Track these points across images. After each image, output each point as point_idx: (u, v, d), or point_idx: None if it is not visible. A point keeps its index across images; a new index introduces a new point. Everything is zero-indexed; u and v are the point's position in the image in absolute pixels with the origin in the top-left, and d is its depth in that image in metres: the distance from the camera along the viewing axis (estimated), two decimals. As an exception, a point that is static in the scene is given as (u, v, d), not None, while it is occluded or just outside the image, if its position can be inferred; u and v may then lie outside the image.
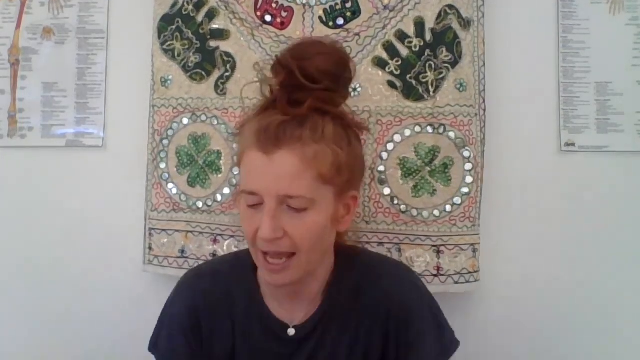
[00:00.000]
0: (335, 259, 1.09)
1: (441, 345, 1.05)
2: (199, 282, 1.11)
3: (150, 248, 1.45)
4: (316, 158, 0.93)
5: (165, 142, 1.44)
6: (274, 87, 1.00)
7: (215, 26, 1.40)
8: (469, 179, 1.35)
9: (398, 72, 1.34)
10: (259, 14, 1.39)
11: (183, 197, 1.42)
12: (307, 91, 0.95)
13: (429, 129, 1.34)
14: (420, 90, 1.34)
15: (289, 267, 0.96)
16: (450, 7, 1.34)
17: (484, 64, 1.40)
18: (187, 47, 1.42)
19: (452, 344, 1.07)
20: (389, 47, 1.35)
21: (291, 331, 1.05)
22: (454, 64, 1.35)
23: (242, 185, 0.98)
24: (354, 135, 1.03)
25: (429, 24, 1.34)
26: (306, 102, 0.95)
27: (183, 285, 1.13)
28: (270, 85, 1.00)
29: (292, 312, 1.06)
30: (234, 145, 1.25)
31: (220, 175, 1.39)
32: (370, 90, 1.34)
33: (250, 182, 0.96)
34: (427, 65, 1.34)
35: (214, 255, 1.39)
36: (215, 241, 1.39)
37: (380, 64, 1.34)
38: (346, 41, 1.35)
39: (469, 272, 1.35)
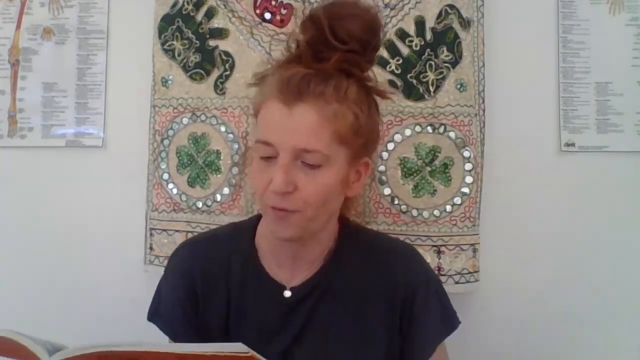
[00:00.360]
0: (341, 228, 1.08)
1: (444, 322, 1.05)
2: (194, 249, 1.11)
3: (151, 248, 1.45)
4: (336, 116, 0.92)
5: (165, 142, 1.44)
6: (301, 42, 0.98)
7: (214, 25, 1.40)
8: (469, 179, 1.35)
9: (399, 71, 1.34)
10: (258, 11, 1.39)
11: (183, 197, 1.42)
12: (334, 50, 0.94)
13: (429, 129, 1.34)
14: (421, 90, 1.34)
15: (290, 219, 0.95)
16: (451, 6, 1.34)
17: (484, 64, 1.40)
18: (187, 46, 1.42)
19: (454, 322, 1.07)
20: (390, 46, 1.35)
21: (287, 293, 1.04)
22: (454, 64, 1.35)
23: (257, 135, 0.97)
24: (374, 103, 1.02)
25: (430, 23, 1.34)
26: (332, 58, 0.94)
27: (179, 252, 1.12)
28: (298, 40, 0.99)
29: (291, 274, 1.05)
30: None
31: (219, 176, 1.38)
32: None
33: (267, 133, 0.94)
34: (428, 64, 1.34)
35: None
36: (215, 241, 1.39)
37: (380, 62, 1.34)
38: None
39: (469, 272, 1.35)
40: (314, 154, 0.92)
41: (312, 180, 0.93)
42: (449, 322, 1.06)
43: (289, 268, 1.05)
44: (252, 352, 0.65)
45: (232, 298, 1.05)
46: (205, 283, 1.06)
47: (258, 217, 1.10)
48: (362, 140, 0.97)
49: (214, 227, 1.38)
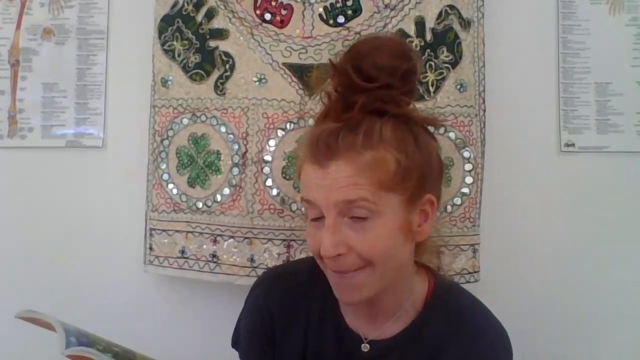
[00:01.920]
0: (433, 286, 1.00)
1: None
2: (275, 284, 1.07)
3: (151, 248, 1.45)
4: (376, 164, 0.85)
5: (165, 142, 1.44)
6: (331, 93, 0.94)
7: (214, 26, 1.40)
8: (469, 180, 1.35)
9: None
10: (258, 12, 1.39)
11: (183, 198, 1.42)
12: (363, 92, 0.88)
13: (429, 129, 1.33)
14: (421, 91, 1.33)
15: (359, 282, 0.89)
16: (451, 7, 1.34)
17: (484, 65, 1.40)
18: (187, 47, 1.42)
19: None
20: (390, 47, 1.35)
21: (365, 347, 0.98)
22: (454, 64, 1.35)
23: (302, 193, 0.92)
24: (423, 133, 0.94)
25: (430, 23, 1.34)
26: (357, 103, 0.88)
27: (259, 286, 1.09)
28: (329, 92, 0.94)
29: (369, 326, 0.99)
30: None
31: (219, 176, 1.38)
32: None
33: (307, 192, 0.90)
34: (428, 65, 1.34)
35: (213, 256, 1.39)
36: (215, 242, 1.39)
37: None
38: (347, 40, 1.35)
39: (469, 273, 1.35)
40: (358, 203, 0.85)
41: (364, 235, 0.86)
42: None
43: (366, 319, 0.99)
44: None
45: (310, 341, 1.01)
46: (283, 321, 1.03)
47: None
48: (413, 182, 0.88)
49: (214, 227, 1.39)
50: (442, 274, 1.10)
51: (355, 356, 0.99)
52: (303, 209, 1.30)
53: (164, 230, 1.44)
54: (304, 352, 1.02)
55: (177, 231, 1.43)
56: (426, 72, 1.34)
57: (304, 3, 1.37)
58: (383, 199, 0.86)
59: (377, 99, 0.88)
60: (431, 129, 1.01)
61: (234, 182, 1.37)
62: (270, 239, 1.36)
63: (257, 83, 1.37)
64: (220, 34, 1.39)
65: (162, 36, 1.44)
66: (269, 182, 1.35)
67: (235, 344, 1.11)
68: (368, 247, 0.86)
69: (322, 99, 0.96)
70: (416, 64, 0.94)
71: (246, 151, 1.36)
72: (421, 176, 0.90)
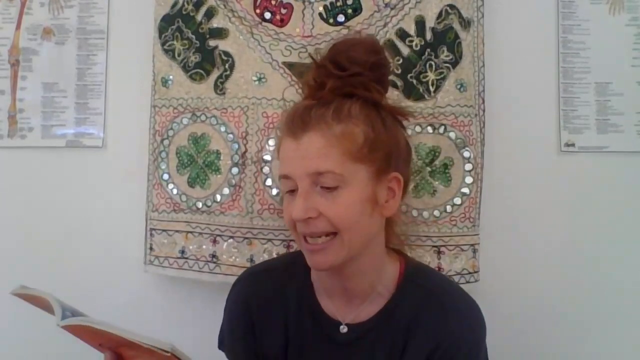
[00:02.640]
0: (404, 268, 1.07)
1: None
2: (251, 280, 1.14)
3: (151, 248, 1.45)
4: (343, 136, 0.94)
5: (165, 142, 1.44)
6: (309, 83, 1.03)
7: (214, 25, 1.40)
8: (469, 180, 1.35)
9: (399, 71, 1.34)
10: (258, 11, 1.39)
11: (183, 198, 1.41)
12: (337, 80, 0.98)
13: (430, 129, 1.34)
14: (421, 90, 1.34)
15: (329, 247, 0.96)
16: (452, 6, 1.34)
17: (484, 64, 1.41)
18: (187, 47, 1.42)
19: None
20: (390, 46, 1.35)
21: (343, 328, 1.04)
22: (454, 64, 1.35)
23: (279, 169, 1.01)
24: (391, 119, 1.03)
25: (430, 23, 1.34)
26: (326, 86, 0.98)
27: (237, 284, 1.15)
28: (307, 83, 1.04)
29: (344, 309, 1.05)
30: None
31: (219, 176, 1.38)
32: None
33: (283, 167, 0.99)
34: (428, 64, 1.34)
35: (213, 256, 1.39)
36: (214, 242, 1.39)
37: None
38: (347, 39, 1.35)
39: (469, 273, 1.34)
40: (327, 175, 0.93)
41: (332, 202, 0.94)
42: None
43: (342, 303, 1.06)
44: (174, 352, 0.73)
45: (290, 333, 1.07)
46: (262, 314, 1.09)
47: None
48: (380, 154, 0.97)
49: (214, 227, 1.39)
50: (411, 257, 1.14)
51: (334, 340, 1.04)
52: None
53: (164, 230, 1.44)
54: (286, 341, 1.07)
55: (177, 231, 1.43)
56: (426, 71, 1.34)
57: (304, 2, 1.37)
58: (351, 170, 0.94)
59: (347, 83, 0.98)
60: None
61: (233, 182, 1.37)
62: (269, 239, 1.36)
63: (256, 82, 1.37)
64: (220, 33, 1.39)
65: (163, 36, 1.44)
66: (269, 182, 1.35)
67: (220, 344, 1.16)
68: (336, 213, 0.94)
69: (302, 90, 1.07)
70: (385, 58, 1.06)
71: (246, 151, 1.36)
72: (388, 152, 0.99)
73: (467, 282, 1.34)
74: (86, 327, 0.79)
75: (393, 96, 1.32)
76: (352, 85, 0.98)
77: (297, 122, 0.96)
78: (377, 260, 1.05)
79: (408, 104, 1.33)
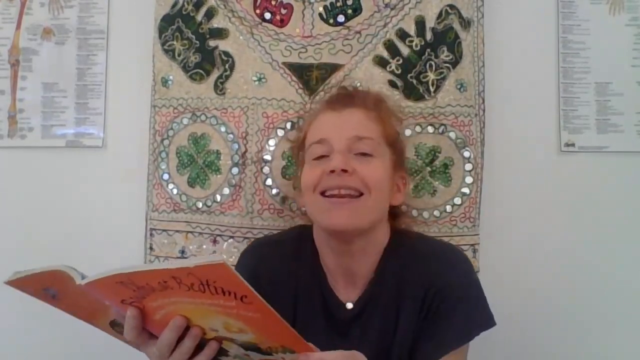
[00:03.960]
0: (391, 234, 1.12)
1: (462, 330, 1.04)
2: (261, 252, 1.16)
3: (151, 248, 1.45)
4: (381, 119, 1.05)
5: (165, 142, 1.44)
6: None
7: (214, 25, 1.40)
8: (469, 180, 1.35)
9: (399, 71, 1.34)
10: (258, 11, 1.39)
11: (183, 198, 1.41)
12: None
13: (430, 129, 1.34)
14: (421, 90, 1.34)
15: (354, 205, 0.99)
16: (452, 6, 1.34)
17: (484, 64, 1.41)
18: (187, 47, 1.42)
19: (472, 332, 1.06)
20: (390, 46, 1.35)
21: (349, 305, 1.08)
22: (454, 64, 1.35)
23: (309, 141, 1.06)
24: (399, 122, 1.17)
25: (430, 23, 1.34)
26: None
27: (246, 254, 1.18)
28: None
29: (347, 290, 1.09)
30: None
31: (219, 176, 1.38)
32: (370, 89, 1.34)
33: (319, 132, 1.05)
34: (428, 64, 1.34)
35: (213, 256, 1.39)
36: (215, 242, 1.39)
37: (381, 62, 1.34)
38: (347, 39, 1.35)
39: (469, 272, 1.34)
40: (366, 140, 1.02)
41: (367, 165, 1.01)
42: (467, 330, 1.05)
43: (344, 284, 1.09)
44: (224, 261, 0.70)
45: (299, 308, 1.09)
46: (271, 287, 1.06)
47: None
48: (399, 150, 1.09)
49: (214, 227, 1.39)
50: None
51: (336, 317, 1.08)
52: (303, 208, 1.31)
53: (164, 230, 1.44)
54: (294, 316, 1.08)
55: (177, 231, 1.43)
56: (426, 71, 1.34)
57: (304, 2, 1.37)
58: (383, 147, 1.04)
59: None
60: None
61: (233, 181, 1.37)
62: (270, 239, 1.36)
63: (256, 82, 1.37)
64: (220, 33, 1.39)
65: (163, 36, 1.44)
66: (269, 182, 1.35)
67: None
68: (370, 172, 1.00)
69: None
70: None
71: (246, 151, 1.36)
72: (402, 152, 1.12)
73: (467, 282, 1.34)
74: (110, 279, 0.76)
75: (393, 96, 1.33)
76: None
77: (340, 99, 1.07)
78: (379, 243, 1.09)
79: (408, 104, 1.33)
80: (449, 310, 1.03)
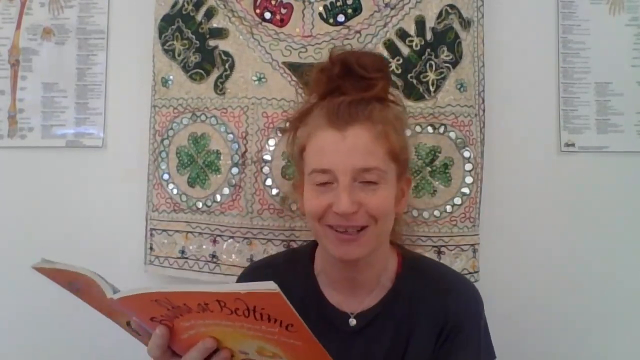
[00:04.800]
0: (401, 256, 1.11)
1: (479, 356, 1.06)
2: (256, 274, 1.14)
3: (151, 248, 1.45)
4: (385, 135, 0.98)
5: (165, 142, 1.44)
6: (334, 77, 1.04)
7: (214, 25, 1.40)
8: (469, 180, 1.35)
9: (399, 71, 1.34)
10: (258, 11, 1.39)
11: (183, 198, 1.41)
12: (365, 80, 1.02)
13: (430, 129, 1.34)
14: (421, 90, 1.34)
15: (362, 238, 0.98)
16: (452, 6, 1.34)
17: (484, 64, 1.41)
18: (187, 47, 1.42)
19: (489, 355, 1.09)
20: (390, 46, 1.35)
21: (352, 321, 1.06)
22: (454, 64, 1.35)
23: (312, 165, 1.00)
24: (403, 122, 1.10)
25: (430, 23, 1.34)
26: (376, 87, 1.02)
27: (242, 279, 1.16)
28: (328, 76, 1.05)
29: (352, 302, 1.07)
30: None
31: (219, 176, 1.38)
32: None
33: (323, 160, 0.98)
34: (428, 64, 1.34)
35: (213, 256, 1.39)
36: (214, 242, 1.39)
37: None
38: (347, 38, 1.35)
39: (470, 273, 1.34)
40: (373, 171, 0.96)
41: (373, 195, 0.97)
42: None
43: (348, 295, 1.08)
44: (279, 291, 0.69)
45: None
46: None
47: (314, 244, 1.13)
48: (404, 158, 1.04)
49: (214, 227, 1.39)
50: (404, 247, 1.18)
51: (342, 331, 1.06)
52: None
53: (164, 230, 1.44)
54: None
55: (177, 231, 1.43)
56: (426, 71, 1.34)
57: (304, 2, 1.37)
58: (389, 167, 0.99)
59: (383, 88, 1.04)
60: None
61: (233, 181, 1.37)
62: (269, 239, 1.36)
63: (256, 82, 1.37)
64: (220, 33, 1.39)
65: (163, 36, 1.44)
66: (269, 182, 1.35)
67: None
68: (377, 204, 0.97)
69: (321, 80, 1.07)
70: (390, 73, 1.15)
71: (246, 151, 1.36)
72: (406, 157, 1.06)
73: (467, 282, 1.34)
74: (146, 297, 0.76)
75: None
76: (386, 91, 1.05)
77: (343, 114, 0.98)
78: (385, 253, 1.09)
79: (408, 104, 1.33)
80: (461, 345, 1.04)
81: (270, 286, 0.69)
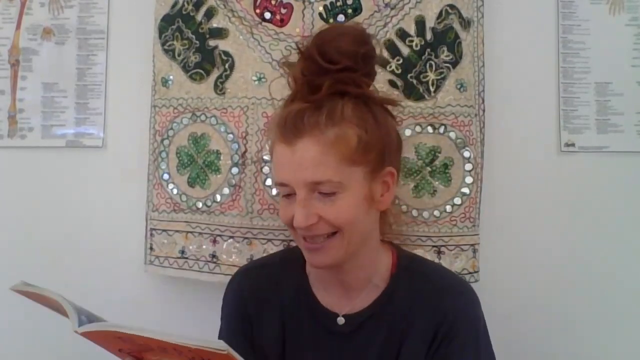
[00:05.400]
0: (397, 257, 1.09)
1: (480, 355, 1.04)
2: (246, 275, 1.15)
3: (151, 248, 1.45)
4: (337, 141, 0.93)
5: (165, 142, 1.44)
6: (297, 76, 1.01)
7: (214, 25, 1.40)
8: (469, 180, 1.35)
9: (399, 71, 1.34)
10: (257, 11, 1.39)
11: (183, 198, 1.41)
12: (327, 74, 0.97)
13: (430, 129, 1.34)
14: (421, 90, 1.34)
15: (328, 246, 0.97)
16: (452, 6, 1.34)
17: (484, 64, 1.41)
18: (187, 47, 1.42)
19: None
20: (390, 46, 1.35)
21: (340, 320, 1.05)
22: (454, 64, 1.35)
23: (274, 177, 1.03)
24: (382, 111, 1.03)
25: (430, 23, 1.34)
26: (323, 86, 0.96)
27: (234, 280, 1.16)
28: (295, 76, 1.02)
29: (343, 302, 1.06)
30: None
31: (219, 176, 1.38)
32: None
33: (279, 174, 0.98)
34: (428, 64, 1.34)
35: (213, 256, 1.39)
36: (214, 242, 1.39)
37: (381, 62, 1.34)
38: (347, 39, 1.35)
39: (469, 273, 1.34)
40: (326, 184, 0.93)
41: (332, 206, 0.95)
42: None
43: (339, 296, 1.07)
44: (229, 351, 0.70)
45: (287, 326, 1.08)
46: (258, 308, 1.09)
47: None
48: (374, 155, 0.97)
49: (214, 227, 1.39)
50: (401, 247, 1.15)
51: (331, 331, 1.05)
52: None
53: (164, 230, 1.44)
54: (283, 334, 1.08)
55: (177, 231, 1.43)
56: (426, 71, 1.34)
57: (304, 2, 1.37)
58: (347, 173, 0.94)
59: (339, 81, 0.97)
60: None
61: (233, 181, 1.37)
62: (269, 239, 1.36)
63: (256, 82, 1.36)
64: (220, 33, 1.39)
65: (163, 36, 1.44)
66: (269, 182, 1.35)
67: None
68: (336, 216, 0.95)
69: (288, 83, 1.04)
70: (374, 48, 1.04)
71: (246, 151, 1.36)
72: (381, 150, 0.99)
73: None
74: (110, 333, 0.77)
75: (393, 96, 1.32)
76: (343, 82, 0.97)
77: (289, 128, 0.95)
78: (373, 253, 1.06)
79: (408, 104, 1.33)
80: (459, 349, 1.01)
81: (220, 346, 0.70)
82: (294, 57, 1.07)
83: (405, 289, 1.05)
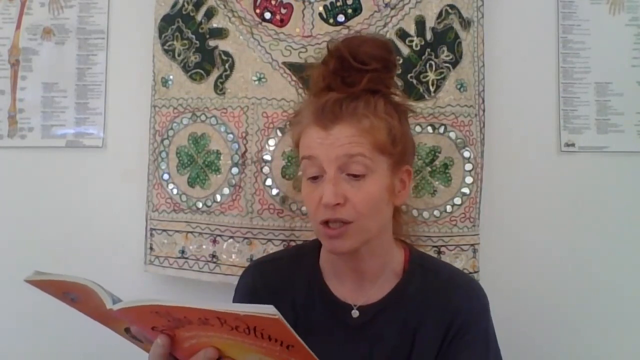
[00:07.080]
0: (409, 252, 1.12)
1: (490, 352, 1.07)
2: (259, 269, 1.16)
3: (151, 248, 1.45)
4: (372, 128, 0.99)
5: (165, 142, 1.44)
6: (327, 73, 1.05)
7: (214, 25, 1.40)
8: (469, 180, 1.35)
9: (399, 71, 1.33)
10: (258, 11, 1.39)
11: (183, 198, 1.41)
12: (359, 73, 1.02)
13: (430, 129, 1.34)
14: (421, 90, 1.34)
15: (347, 232, 0.99)
16: (452, 6, 1.34)
17: (484, 64, 1.41)
18: (187, 47, 1.42)
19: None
20: (390, 46, 1.35)
21: (355, 312, 1.07)
22: (454, 64, 1.35)
23: (301, 154, 1.04)
24: (404, 115, 1.09)
25: (430, 23, 1.34)
26: (362, 81, 1.01)
27: (245, 273, 1.17)
28: (324, 73, 1.05)
29: (357, 293, 1.08)
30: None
31: (219, 176, 1.38)
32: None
33: (310, 150, 1.01)
34: (428, 64, 1.34)
35: (213, 256, 1.39)
36: (214, 242, 1.39)
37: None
38: (347, 39, 1.35)
39: (469, 273, 1.34)
40: (357, 158, 0.98)
41: (359, 189, 0.98)
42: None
43: (353, 287, 1.09)
44: (279, 316, 0.69)
45: (299, 319, 1.08)
46: (270, 299, 1.07)
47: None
48: (399, 148, 1.02)
49: (214, 227, 1.39)
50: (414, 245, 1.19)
51: (345, 323, 1.07)
52: (303, 209, 1.31)
53: (164, 230, 1.44)
54: (295, 327, 1.06)
55: (177, 231, 1.43)
56: (426, 71, 1.34)
57: (304, 2, 1.37)
58: (377, 159, 0.99)
59: (373, 80, 1.02)
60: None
61: (233, 182, 1.37)
62: (269, 239, 1.36)
63: (256, 82, 1.37)
64: (220, 33, 1.39)
65: (163, 36, 1.44)
66: (269, 182, 1.35)
67: None
68: (362, 199, 0.98)
69: (317, 77, 1.07)
70: (396, 58, 1.12)
71: (246, 151, 1.36)
72: (404, 146, 1.05)
73: (467, 282, 1.34)
74: (146, 308, 0.76)
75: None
76: (377, 82, 1.03)
77: (327, 114, 0.99)
78: (387, 244, 1.09)
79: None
80: (470, 342, 1.04)
81: (270, 311, 0.70)
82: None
83: (417, 285, 1.08)
